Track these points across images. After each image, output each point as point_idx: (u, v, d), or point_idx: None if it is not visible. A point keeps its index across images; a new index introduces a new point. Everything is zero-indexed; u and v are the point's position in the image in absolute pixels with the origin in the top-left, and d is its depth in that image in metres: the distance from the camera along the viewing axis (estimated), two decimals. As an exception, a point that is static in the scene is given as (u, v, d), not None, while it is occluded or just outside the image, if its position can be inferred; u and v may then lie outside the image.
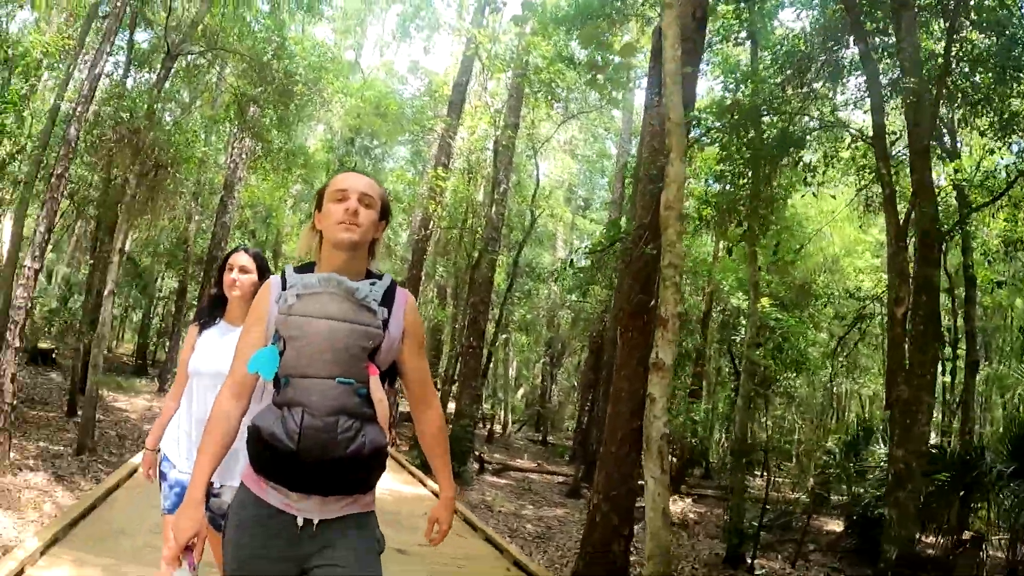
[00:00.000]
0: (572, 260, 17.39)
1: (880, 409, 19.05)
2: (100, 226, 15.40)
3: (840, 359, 19.53)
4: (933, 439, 17.08)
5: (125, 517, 5.90)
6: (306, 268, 2.25)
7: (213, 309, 3.46)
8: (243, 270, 3.35)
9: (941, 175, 13.43)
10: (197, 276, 22.03)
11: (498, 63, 17.34)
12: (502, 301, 20.89)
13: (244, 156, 17.88)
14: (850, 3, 7.97)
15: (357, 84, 22.07)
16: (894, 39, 8.23)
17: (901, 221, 7.54)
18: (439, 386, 18.91)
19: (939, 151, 13.43)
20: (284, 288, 2.17)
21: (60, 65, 14.62)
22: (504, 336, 26.74)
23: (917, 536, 10.70)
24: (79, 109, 8.49)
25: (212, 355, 3.26)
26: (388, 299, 2.23)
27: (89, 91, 8.62)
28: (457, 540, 7.37)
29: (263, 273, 3.37)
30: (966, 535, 9.97)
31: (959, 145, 14.41)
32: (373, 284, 2.21)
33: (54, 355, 19.06)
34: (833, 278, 19.44)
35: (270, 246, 27.21)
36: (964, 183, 11.04)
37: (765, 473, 16.86)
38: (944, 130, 13.26)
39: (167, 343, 23.67)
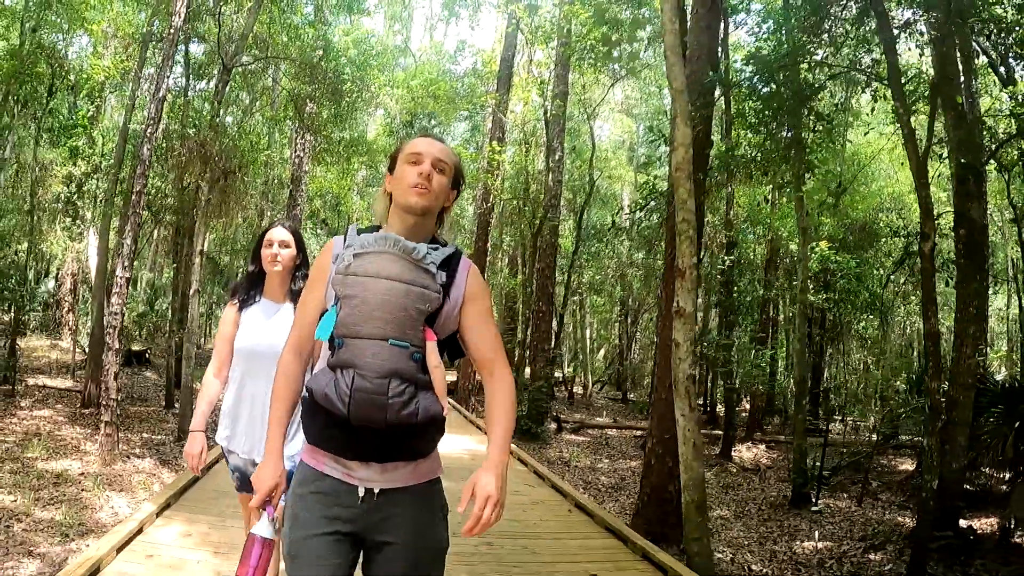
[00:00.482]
0: (614, 221, 17.80)
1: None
2: (179, 231, 16.45)
3: (911, 296, 19.39)
4: (1003, 373, 16.96)
5: (227, 483, 6.60)
6: (372, 230, 2.22)
7: (252, 287, 3.45)
8: (283, 244, 3.35)
9: (1004, 103, 13.23)
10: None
11: (540, 35, 17.67)
12: (569, 264, 21.39)
13: (307, 150, 18.70)
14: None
15: (403, 74, 22.66)
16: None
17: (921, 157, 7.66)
18: (516, 352, 19.57)
19: (994, 79, 13.32)
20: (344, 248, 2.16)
21: (124, 87, 15.67)
22: (575, 298, 27.23)
23: (978, 469, 10.87)
24: (149, 131, 9.27)
25: (266, 333, 3.29)
26: (450, 265, 2.17)
27: (156, 114, 9.37)
28: (526, 488, 8.12)
29: (301, 247, 3.44)
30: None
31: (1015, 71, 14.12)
32: (435, 248, 2.15)
33: (147, 356, 20.39)
34: (895, 217, 19.22)
35: (342, 233, 28.36)
36: (995, 114, 10.96)
37: (824, 415, 17.02)
38: (997, 57, 13.11)
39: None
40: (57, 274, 21.85)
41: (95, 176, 17.21)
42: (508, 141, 20.63)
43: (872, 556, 8.99)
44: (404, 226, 2.16)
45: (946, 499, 8.79)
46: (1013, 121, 12.00)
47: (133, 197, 9.22)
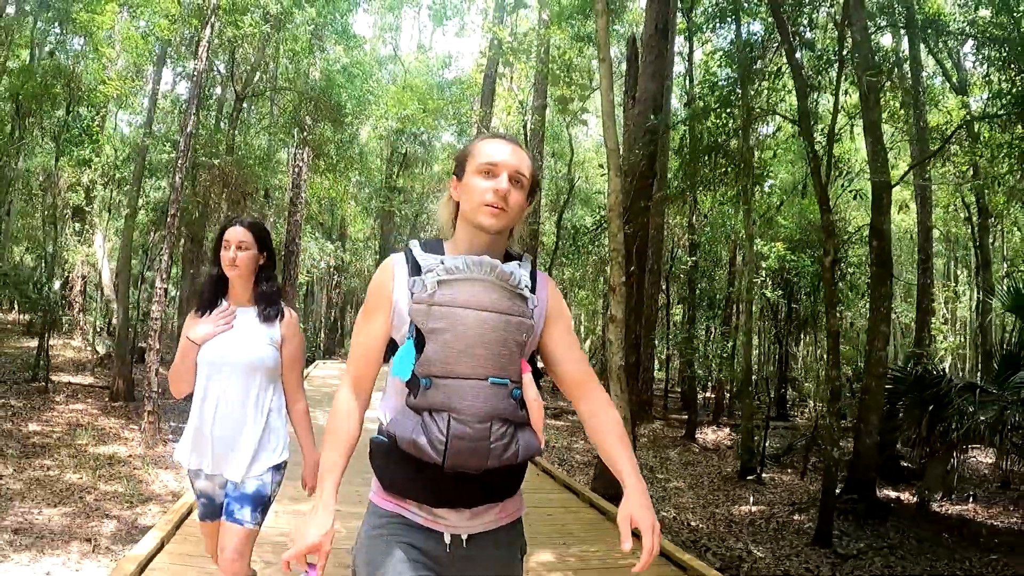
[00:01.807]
0: (576, 232, 19.37)
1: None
2: (193, 240, 17.85)
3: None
4: (948, 362, 18.61)
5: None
6: (434, 245, 1.98)
7: (215, 293, 3.14)
8: (241, 246, 3.05)
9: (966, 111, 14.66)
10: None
11: (519, 54, 19.22)
12: (550, 262, 22.94)
13: (307, 160, 20.21)
14: (779, 17, 9.70)
15: (395, 89, 24.15)
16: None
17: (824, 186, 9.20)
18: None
19: (948, 87, 14.98)
20: (415, 272, 1.88)
21: (129, 101, 16.94)
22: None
23: (917, 447, 12.45)
24: (180, 162, 10.74)
25: (230, 342, 3.04)
26: (531, 283, 1.96)
27: (185, 147, 10.82)
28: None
29: (263, 245, 3.13)
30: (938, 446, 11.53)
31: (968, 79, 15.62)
32: (519, 267, 1.93)
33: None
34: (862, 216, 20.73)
35: (336, 230, 30.32)
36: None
37: (800, 402, 18.51)
38: (952, 66, 14.79)
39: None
40: (67, 277, 22.97)
41: (105, 185, 18.39)
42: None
43: (796, 517, 10.61)
44: (476, 243, 1.92)
45: (860, 471, 10.46)
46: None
47: (168, 219, 10.70)
